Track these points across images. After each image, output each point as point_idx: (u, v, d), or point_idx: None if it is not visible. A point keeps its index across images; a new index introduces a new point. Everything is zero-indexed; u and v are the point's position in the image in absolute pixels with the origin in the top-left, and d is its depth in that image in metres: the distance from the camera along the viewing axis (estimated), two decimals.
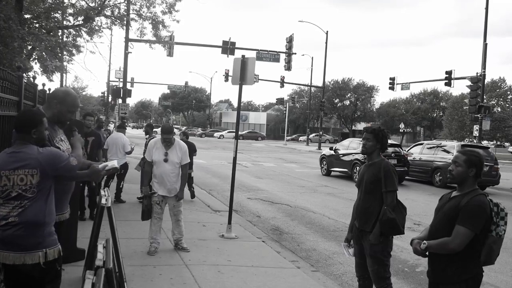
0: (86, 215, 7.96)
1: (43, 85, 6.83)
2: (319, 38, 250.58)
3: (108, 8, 16.11)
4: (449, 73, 27.15)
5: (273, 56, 28.98)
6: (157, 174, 6.24)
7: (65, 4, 14.80)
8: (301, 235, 8.22)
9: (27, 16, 13.38)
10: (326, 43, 41.41)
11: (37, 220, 2.93)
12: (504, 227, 3.08)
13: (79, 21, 15.23)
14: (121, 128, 10.75)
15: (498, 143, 53.27)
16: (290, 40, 29.18)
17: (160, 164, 6.22)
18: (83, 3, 15.42)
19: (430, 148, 18.33)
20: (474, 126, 23.96)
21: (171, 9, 17.22)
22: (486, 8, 22.40)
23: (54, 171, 3.02)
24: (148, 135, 10.80)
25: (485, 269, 3.21)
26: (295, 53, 29.82)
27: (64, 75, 27.97)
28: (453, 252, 3.08)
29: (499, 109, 47.92)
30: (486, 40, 22.49)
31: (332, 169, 18.50)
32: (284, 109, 59.19)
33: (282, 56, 29.50)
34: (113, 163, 3.63)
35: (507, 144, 54.32)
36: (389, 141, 18.97)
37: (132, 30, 20.23)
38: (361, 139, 4.52)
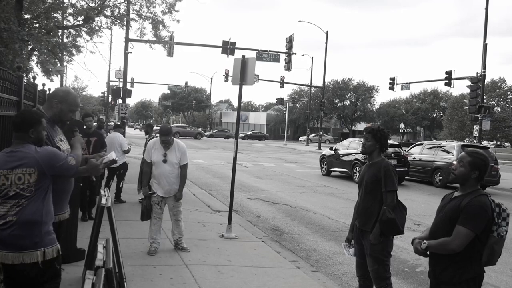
0: (86, 216, 7.94)
1: (43, 85, 6.83)
2: (319, 38, 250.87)
3: (108, 8, 16.11)
4: (449, 73, 27.15)
5: (273, 56, 28.99)
6: (156, 174, 6.24)
7: (65, 4, 14.79)
8: (301, 235, 8.22)
9: (27, 16, 13.38)
10: (326, 43, 41.44)
11: (35, 219, 2.94)
12: (505, 227, 3.07)
13: (79, 21, 15.22)
14: (118, 128, 10.78)
15: (498, 143, 53.29)
16: (290, 40, 29.18)
17: (159, 165, 6.22)
18: (83, 3, 15.43)
19: (430, 148, 18.33)
20: (474, 126, 23.94)
21: (171, 9, 17.22)
22: (486, 8, 22.39)
23: (52, 170, 3.03)
24: (148, 135, 10.82)
25: (485, 269, 3.20)
26: (295, 53, 29.87)
27: (64, 75, 27.97)
28: (453, 252, 3.07)
29: (499, 109, 47.91)
30: (486, 40, 22.48)
31: (332, 169, 18.50)
32: (284, 109, 59.20)
33: (282, 56, 29.52)
34: (111, 155, 3.61)
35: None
36: (390, 141, 19.07)
37: (132, 30, 20.27)
38: (361, 139, 4.57)
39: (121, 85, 29.67)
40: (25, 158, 2.98)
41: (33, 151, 3.01)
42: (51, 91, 4.96)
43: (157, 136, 6.51)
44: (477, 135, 23.27)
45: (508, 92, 52.71)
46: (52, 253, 2.99)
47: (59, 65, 14.62)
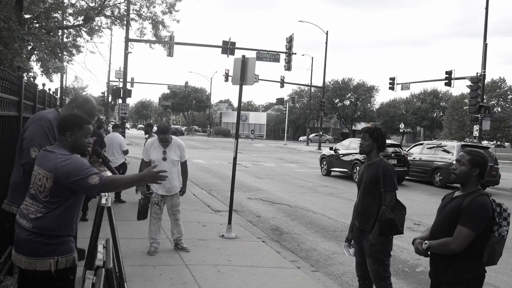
0: (87, 216, 7.89)
1: (43, 85, 6.85)
2: (319, 38, 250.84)
3: (108, 8, 16.09)
4: (449, 73, 27.13)
5: (273, 56, 28.95)
6: None
7: (65, 4, 14.76)
8: (301, 235, 8.22)
9: (27, 16, 13.36)
10: (326, 43, 41.41)
11: (51, 228, 2.84)
12: (506, 227, 3.06)
13: (79, 21, 15.20)
14: (117, 127, 10.77)
15: (498, 143, 53.28)
16: (290, 40, 29.16)
17: (159, 163, 6.21)
18: (83, 3, 15.40)
19: (430, 148, 18.33)
20: (474, 126, 23.93)
21: (171, 9, 17.21)
22: (486, 8, 22.38)
23: (68, 182, 2.81)
24: (147, 135, 10.83)
25: (486, 269, 3.20)
26: (295, 53, 29.81)
27: (64, 75, 27.96)
28: (453, 252, 3.07)
29: (499, 109, 47.90)
30: (486, 40, 22.46)
31: (332, 169, 18.50)
32: (284, 109, 59.20)
33: (282, 56, 29.46)
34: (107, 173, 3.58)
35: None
36: (390, 141, 19.04)
37: (132, 30, 20.23)
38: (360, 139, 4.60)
39: (121, 85, 29.64)
40: (50, 160, 2.83)
41: (58, 155, 2.84)
42: (73, 96, 4.96)
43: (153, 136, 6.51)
44: (477, 135, 23.26)
45: (508, 92, 52.66)
46: (65, 262, 2.88)
47: (57, 62, 14.55)
